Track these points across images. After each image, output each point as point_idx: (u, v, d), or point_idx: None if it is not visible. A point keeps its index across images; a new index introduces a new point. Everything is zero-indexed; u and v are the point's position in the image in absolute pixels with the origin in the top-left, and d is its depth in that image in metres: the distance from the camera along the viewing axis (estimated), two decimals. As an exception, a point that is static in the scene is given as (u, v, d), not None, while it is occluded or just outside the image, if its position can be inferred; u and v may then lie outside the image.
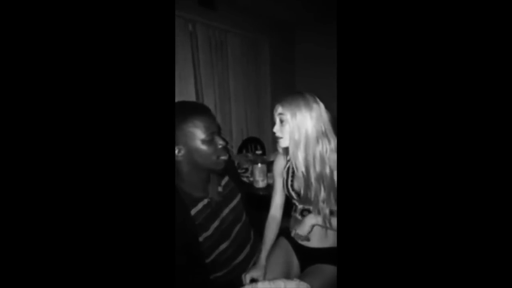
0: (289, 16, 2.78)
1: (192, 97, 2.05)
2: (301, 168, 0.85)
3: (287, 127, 0.84)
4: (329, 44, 1.78)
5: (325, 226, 0.86)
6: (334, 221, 0.85)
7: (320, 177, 0.84)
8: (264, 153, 1.96)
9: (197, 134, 0.78)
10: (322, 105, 0.85)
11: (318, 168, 0.83)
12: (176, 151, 0.78)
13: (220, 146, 0.82)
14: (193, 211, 0.83)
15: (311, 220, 0.87)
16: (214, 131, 0.81)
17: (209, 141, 0.79)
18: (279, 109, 0.85)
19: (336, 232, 0.88)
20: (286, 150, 0.91)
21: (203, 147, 0.78)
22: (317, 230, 0.91)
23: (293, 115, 0.82)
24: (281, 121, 0.85)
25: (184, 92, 1.98)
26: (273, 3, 2.37)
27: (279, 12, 2.61)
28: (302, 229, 0.86)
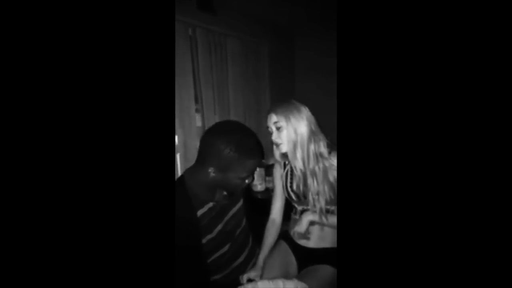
0: (289, 21, 2.80)
1: (191, 101, 2.05)
2: (300, 166, 0.89)
3: (284, 132, 0.88)
4: (329, 48, 1.78)
5: (321, 222, 0.88)
6: (331, 218, 0.88)
7: (314, 173, 0.88)
8: (262, 157, 1.96)
9: (240, 174, 0.81)
10: (308, 109, 0.91)
11: (312, 164, 0.88)
12: (210, 170, 0.80)
13: (247, 181, 0.86)
14: (199, 213, 0.84)
15: (308, 216, 0.89)
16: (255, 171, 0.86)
17: (244, 178, 0.83)
18: (274, 118, 0.89)
19: (333, 232, 0.91)
20: (283, 155, 0.94)
21: (237, 181, 0.83)
22: (315, 230, 0.92)
23: (288, 119, 0.87)
24: (277, 128, 0.89)
25: (184, 95, 1.99)
26: (273, 8, 2.39)
27: (279, 17, 2.63)
28: (299, 227, 0.89)
